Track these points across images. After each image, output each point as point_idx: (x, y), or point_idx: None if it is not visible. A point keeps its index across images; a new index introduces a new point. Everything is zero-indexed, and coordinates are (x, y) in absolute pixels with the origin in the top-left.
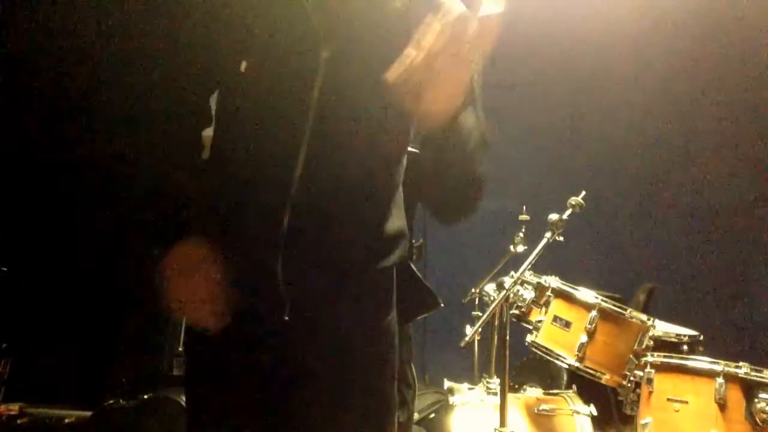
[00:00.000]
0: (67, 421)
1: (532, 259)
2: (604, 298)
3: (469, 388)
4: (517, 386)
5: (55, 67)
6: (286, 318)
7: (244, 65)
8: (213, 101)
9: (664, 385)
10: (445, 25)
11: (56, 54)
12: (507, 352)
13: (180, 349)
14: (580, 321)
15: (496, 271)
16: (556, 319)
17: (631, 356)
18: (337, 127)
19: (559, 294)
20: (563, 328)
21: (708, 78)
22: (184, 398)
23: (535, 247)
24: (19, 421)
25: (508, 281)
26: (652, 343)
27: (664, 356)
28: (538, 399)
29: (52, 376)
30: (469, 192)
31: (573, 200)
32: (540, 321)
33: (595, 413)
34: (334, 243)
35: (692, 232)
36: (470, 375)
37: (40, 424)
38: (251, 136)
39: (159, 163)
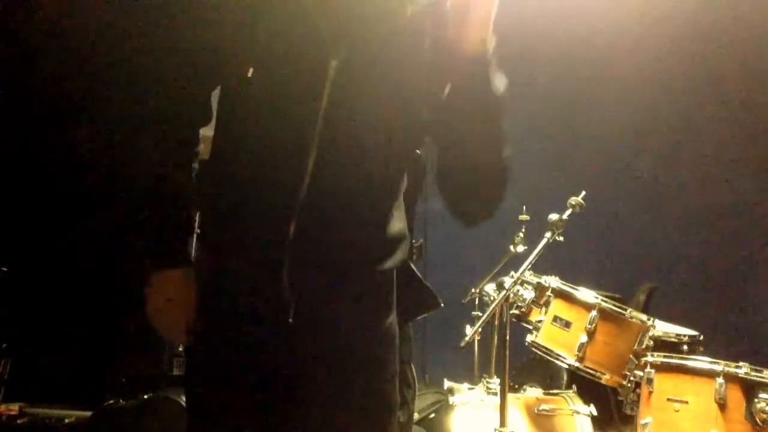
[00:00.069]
0: (67, 421)
1: (532, 259)
2: (604, 298)
3: (469, 388)
4: (517, 386)
5: (55, 66)
6: (290, 320)
7: (251, 71)
8: (213, 101)
9: (664, 385)
10: None
11: (56, 53)
12: (507, 352)
13: (180, 349)
14: (580, 321)
15: (496, 271)
16: (556, 319)
17: (631, 356)
18: (344, 132)
19: (559, 294)
20: (563, 328)
21: (708, 78)
22: (184, 398)
23: (535, 247)
24: (19, 421)
25: (508, 281)
26: (652, 343)
27: (664, 356)
28: (538, 399)
29: (52, 376)
30: (495, 175)
31: (573, 200)
32: (540, 321)
33: (595, 413)
34: (337, 245)
35: (692, 232)
36: (470, 375)
37: (40, 424)
38: (257, 140)
39: (159, 162)
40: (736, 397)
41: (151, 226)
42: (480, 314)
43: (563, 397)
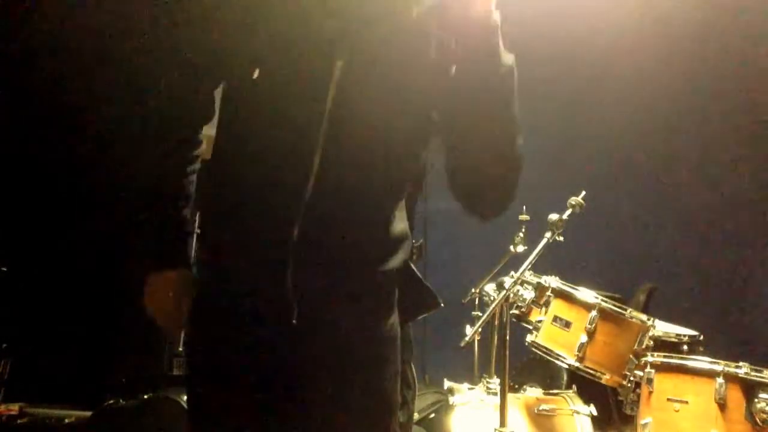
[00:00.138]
0: (67, 421)
1: (532, 259)
2: (604, 298)
3: (469, 388)
4: (517, 386)
5: (55, 66)
6: (294, 321)
7: (257, 72)
8: (217, 99)
9: (664, 385)
10: None
11: (56, 52)
12: (507, 352)
13: (180, 349)
14: (580, 321)
15: (496, 271)
16: (556, 319)
17: (631, 356)
18: (348, 133)
19: (559, 294)
20: (563, 328)
21: (709, 77)
22: (184, 398)
23: (535, 247)
24: (19, 421)
25: (508, 281)
26: (652, 343)
27: (664, 356)
28: (538, 399)
29: (52, 376)
30: (508, 165)
31: (573, 200)
32: (540, 321)
33: (595, 413)
34: (340, 245)
35: (692, 232)
36: (470, 375)
37: (40, 424)
38: (261, 141)
39: (158, 162)
40: (736, 397)
41: (150, 226)
42: (480, 314)
43: (563, 397)
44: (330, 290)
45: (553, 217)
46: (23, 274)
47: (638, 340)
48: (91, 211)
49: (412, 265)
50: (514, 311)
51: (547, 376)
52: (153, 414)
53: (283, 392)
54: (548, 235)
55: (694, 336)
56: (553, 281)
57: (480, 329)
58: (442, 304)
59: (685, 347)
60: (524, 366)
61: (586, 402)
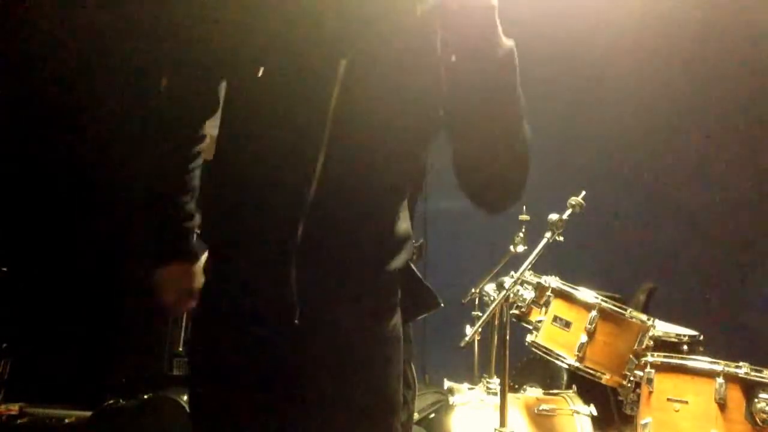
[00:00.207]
0: (67, 421)
1: (532, 259)
2: (604, 298)
3: (469, 388)
4: (517, 386)
5: (55, 65)
6: (296, 321)
7: (261, 71)
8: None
9: (664, 385)
10: None
11: (56, 51)
12: (507, 352)
13: (180, 349)
14: (580, 321)
15: (496, 271)
16: (556, 319)
17: (631, 356)
18: (352, 132)
19: (559, 294)
20: (563, 328)
21: (709, 77)
22: (184, 398)
23: (535, 247)
24: (19, 421)
25: (508, 281)
26: (652, 343)
27: (664, 356)
28: (538, 399)
29: (52, 376)
30: (516, 154)
31: (573, 200)
32: (540, 321)
33: (595, 413)
34: (345, 246)
35: (692, 232)
36: (470, 375)
37: (40, 424)
38: (264, 140)
39: (161, 158)
40: (736, 397)
41: (154, 222)
42: (480, 314)
43: (563, 397)
44: (333, 290)
45: (553, 217)
46: (23, 274)
47: (638, 340)
48: (91, 211)
49: (412, 265)
50: (514, 311)
51: (547, 376)
52: (153, 414)
53: (285, 392)
54: (548, 235)
55: (694, 336)
56: (553, 281)
57: (480, 329)
58: (442, 304)
59: (685, 347)
60: (524, 366)
61: (586, 402)
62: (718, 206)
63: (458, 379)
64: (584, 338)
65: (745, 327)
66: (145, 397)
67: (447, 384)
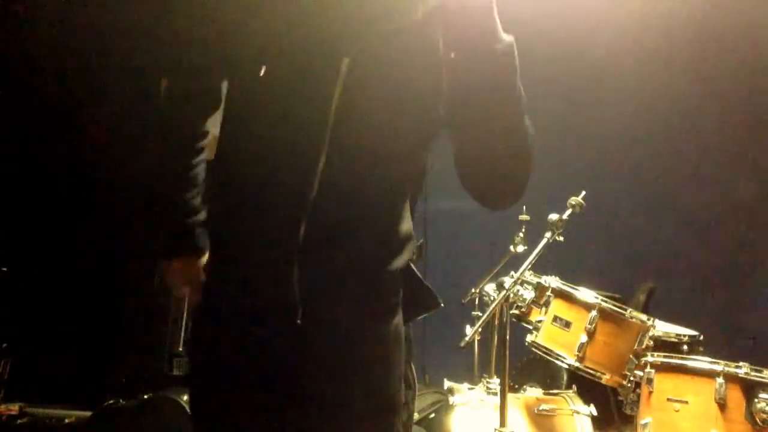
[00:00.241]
0: (67, 421)
1: (532, 259)
2: (604, 298)
3: (469, 388)
4: (517, 386)
5: (55, 64)
6: (299, 321)
7: (263, 70)
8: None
9: (664, 385)
10: None
11: (56, 50)
12: (507, 352)
13: (180, 349)
14: (580, 321)
15: (496, 271)
16: (556, 319)
17: (631, 356)
18: (355, 132)
19: (559, 294)
20: (563, 328)
21: (710, 77)
22: (184, 398)
23: (535, 247)
24: (19, 421)
25: (508, 281)
26: (652, 343)
27: (664, 356)
28: (538, 399)
29: (52, 376)
30: (519, 148)
31: (573, 200)
32: (540, 321)
33: (595, 413)
34: (347, 246)
35: (692, 232)
36: (470, 375)
37: (40, 424)
38: (266, 140)
39: (164, 155)
40: (736, 397)
41: (159, 217)
42: (480, 314)
43: (563, 397)
44: (334, 290)
45: (553, 217)
46: (23, 274)
47: (638, 340)
48: (91, 211)
49: (413, 265)
50: (514, 311)
51: (547, 376)
52: (153, 414)
53: (285, 393)
54: (548, 235)
55: (694, 336)
56: (553, 281)
57: (480, 329)
58: (442, 304)
59: (685, 347)
60: (524, 366)
61: (586, 402)
62: (718, 206)
63: (458, 379)
64: (584, 338)
65: (745, 327)
66: (145, 397)
67: (447, 384)
